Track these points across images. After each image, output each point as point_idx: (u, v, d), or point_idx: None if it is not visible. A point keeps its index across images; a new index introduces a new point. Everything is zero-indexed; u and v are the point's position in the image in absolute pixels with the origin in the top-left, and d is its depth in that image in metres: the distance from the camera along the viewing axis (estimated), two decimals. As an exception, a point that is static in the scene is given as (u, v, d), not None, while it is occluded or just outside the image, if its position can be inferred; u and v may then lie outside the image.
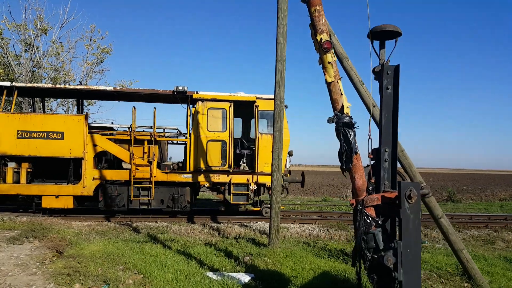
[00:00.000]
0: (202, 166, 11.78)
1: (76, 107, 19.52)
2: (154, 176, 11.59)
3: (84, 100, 18.21)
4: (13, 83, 11.70)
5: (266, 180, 11.89)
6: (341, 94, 3.50)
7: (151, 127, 12.14)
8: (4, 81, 17.12)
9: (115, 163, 12.48)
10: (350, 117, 3.43)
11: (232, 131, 11.98)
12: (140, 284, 5.60)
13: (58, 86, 13.19)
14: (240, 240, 9.05)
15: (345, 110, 3.44)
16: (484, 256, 8.34)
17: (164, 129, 13.35)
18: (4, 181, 11.28)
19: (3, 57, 19.51)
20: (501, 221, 12.87)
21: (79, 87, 12.39)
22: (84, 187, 11.45)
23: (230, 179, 11.99)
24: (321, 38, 3.46)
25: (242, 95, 12.28)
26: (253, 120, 12.87)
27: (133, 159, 11.48)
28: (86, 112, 12.27)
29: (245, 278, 6.06)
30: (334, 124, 3.48)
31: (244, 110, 12.97)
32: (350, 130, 3.41)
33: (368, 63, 3.51)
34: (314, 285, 5.88)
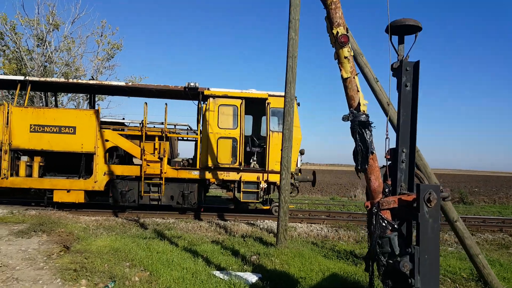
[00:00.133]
0: (212, 163, 11.70)
1: (86, 101, 19.67)
2: (165, 172, 11.56)
3: (95, 95, 18.31)
4: (27, 77, 11.76)
5: (276, 178, 11.74)
6: (358, 91, 3.34)
7: (162, 123, 12.10)
8: (16, 75, 17.27)
9: (126, 158, 12.50)
10: (367, 115, 3.25)
11: (243, 128, 11.86)
12: (146, 282, 5.53)
13: (71, 80, 13.23)
14: (247, 239, 8.94)
15: (362, 108, 3.27)
16: (499, 261, 8.08)
17: (175, 126, 13.32)
18: (17, 174, 11.39)
19: (16, 51, 19.72)
20: (517, 226, 12.52)
21: (91, 82, 12.39)
22: (95, 182, 11.48)
23: (240, 177, 11.90)
24: (337, 32, 3.29)
25: (254, 92, 12.15)
26: (264, 118, 12.72)
27: (144, 155, 11.47)
28: (98, 107, 12.29)
29: (253, 278, 5.94)
30: (340, 122, 3.32)
31: (255, 107, 12.84)
32: (366, 129, 3.23)
33: (380, 61, 3.35)
34: (323, 287, 5.74)
